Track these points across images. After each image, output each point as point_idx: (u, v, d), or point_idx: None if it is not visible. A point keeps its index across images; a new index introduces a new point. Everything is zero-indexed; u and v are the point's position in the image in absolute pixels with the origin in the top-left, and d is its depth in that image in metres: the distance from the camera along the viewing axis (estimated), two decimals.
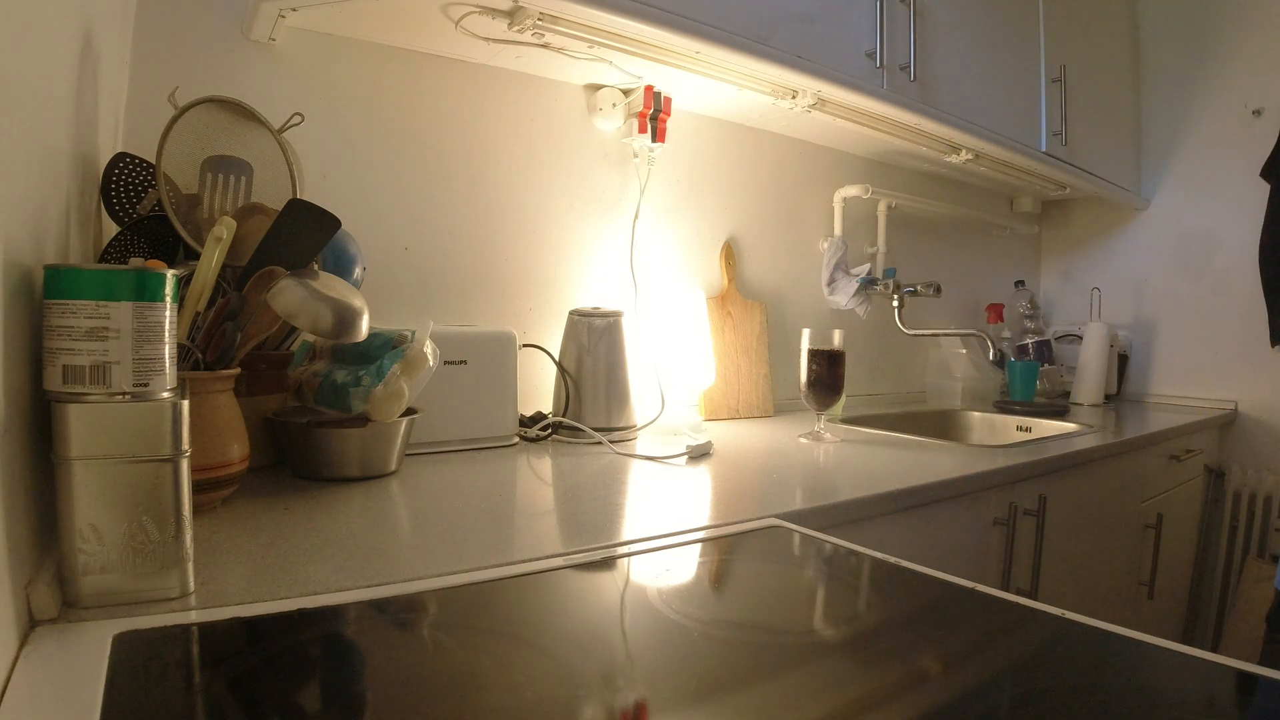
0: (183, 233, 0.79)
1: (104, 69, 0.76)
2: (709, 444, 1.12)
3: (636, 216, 1.42)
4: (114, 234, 0.79)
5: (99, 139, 0.79)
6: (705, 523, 0.75)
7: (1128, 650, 0.49)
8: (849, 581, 0.65)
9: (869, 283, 1.70)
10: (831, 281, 1.71)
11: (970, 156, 1.69)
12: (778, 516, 0.77)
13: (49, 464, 0.47)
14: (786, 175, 1.70)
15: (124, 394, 0.48)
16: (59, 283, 0.47)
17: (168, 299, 0.51)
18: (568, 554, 0.64)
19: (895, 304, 1.73)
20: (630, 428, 1.23)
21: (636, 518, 0.77)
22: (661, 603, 0.55)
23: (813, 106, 1.37)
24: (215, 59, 1.02)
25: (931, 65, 1.44)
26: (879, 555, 0.66)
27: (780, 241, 1.70)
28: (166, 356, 0.51)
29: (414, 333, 0.96)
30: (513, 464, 1.01)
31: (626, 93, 1.36)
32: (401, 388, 0.86)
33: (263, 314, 0.75)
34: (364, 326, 0.77)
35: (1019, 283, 2.24)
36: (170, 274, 0.51)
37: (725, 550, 0.69)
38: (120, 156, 0.80)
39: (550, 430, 1.19)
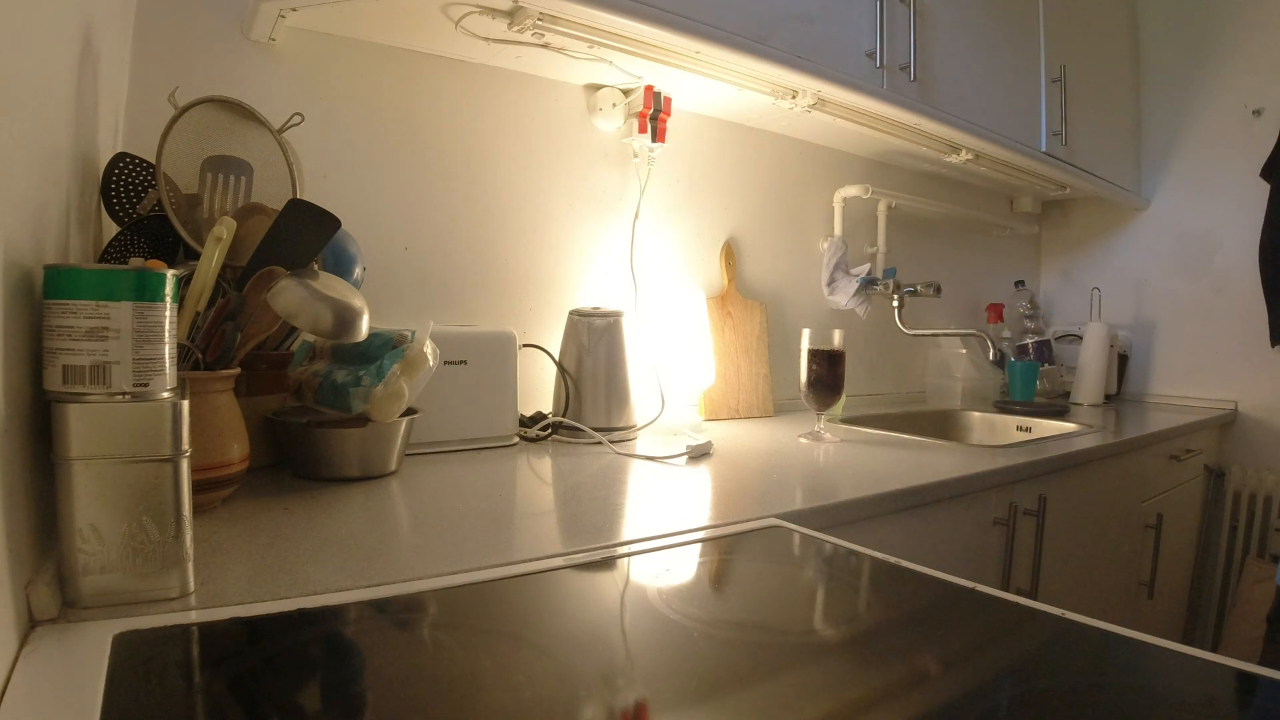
0: (183, 233, 0.79)
1: (104, 69, 0.76)
2: (709, 444, 1.12)
3: (636, 216, 1.42)
4: (114, 234, 0.79)
5: (99, 139, 0.79)
6: (705, 523, 0.75)
7: (1128, 650, 0.49)
8: (849, 581, 0.65)
9: (869, 283, 1.70)
10: (831, 281, 1.71)
11: (970, 156, 1.69)
12: (778, 516, 0.77)
13: (49, 464, 0.47)
14: (786, 175, 1.70)
15: (124, 394, 0.48)
16: (59, 283, 0.47)
17: (168, 299, 0.51)
18: (568, 554, 0.64)
19: (895, 304, 1.73)
20: (630, 428, 1.23)
21: (636, 518, 0.77)
22: (661, 603, 0.55)
23: (813, 106, 1.37)
24: (215, 59, 1.02)
25: (931, 65, 1.44)
26: (879, 555, 0.66)
27: (780, 241, 1.70)
28: (166, 356, 0.51)
29: (414, 333, 0.96)
30: (513, 464, 1.01)
31: (626, 93, 1.36)
32: (401, 388, 0.86)
33: (263, 314, 0.75)
34: (364, 326, 0.77)
35: (1019, 283, 2.24)
36: (170, 274, 0.51)
37: (725, 550, 0.69)
38: (120, 156, 0.80)
39: (550, 430, 1.19)
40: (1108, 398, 2.06)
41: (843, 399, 1.38)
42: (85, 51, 0.65)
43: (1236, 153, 1.99)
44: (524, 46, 1.16)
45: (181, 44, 1.00)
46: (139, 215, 0.81)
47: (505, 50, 1.18)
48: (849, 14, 1.29)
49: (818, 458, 1.13)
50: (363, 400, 0.87)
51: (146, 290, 0.49)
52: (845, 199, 1.76)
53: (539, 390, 1.28)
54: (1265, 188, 1.88)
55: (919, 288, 1.69)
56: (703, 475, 0.98)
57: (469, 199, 1.25)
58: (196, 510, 0.60)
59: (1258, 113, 1.97)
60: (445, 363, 1.02)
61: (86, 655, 0.42)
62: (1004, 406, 1.85)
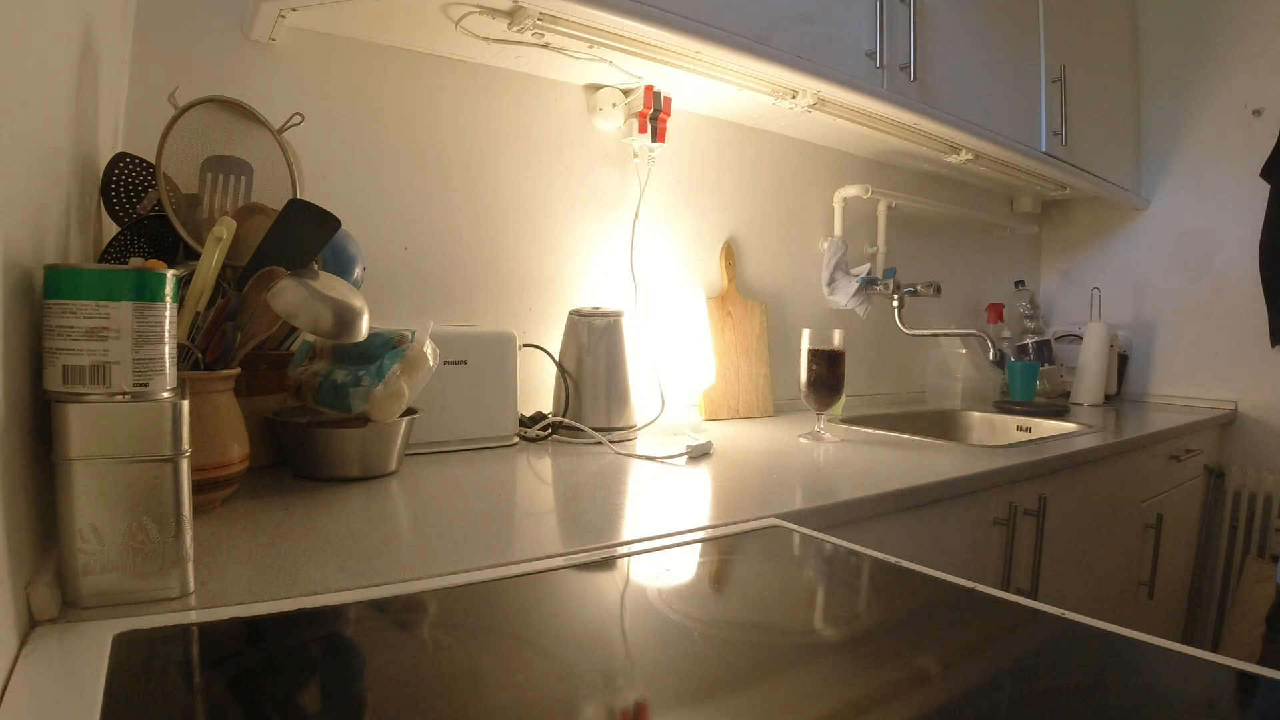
0: (183, 233, 0.79)
1: (104, 69, 0.76)
2: (709, 444, 1.12)
3: (636, 216, 1.42)
4: (114, 234, 0.79)
5: (99, 139, 0.79)
6: (705, 523, 0.75)
7: (1128, 650, 0.49)
8: (849, 581, 0.65)
9: (869, 283, 1.70)
10: (831, 281, 1.71)
11: (970, 156, 1.69)
12: (778, 516, 0.77)
13: (49, 464, 0.47)
14: (786, 175, 1.70)
15: (124, 394, 0.48)
16: (59, 283, 0.47)
17: (168, 299, 0.51)
18: (568, 554, 0.64)
19: (895, 304, 1.73)
20: (630, 428, 1.23)
21: (636, 518, 0.77)
22: (661, 603, 0.55)
23: (813, 106, 1.37)
24: (215, 59, 1.02)
25: (931, 65, 1.44)
26: (879, 555, 0.66)
27: (780, 241, 1.70)
28: (166, 356, 0.51)
29: (414, 333, 0.96)
30: (513, 464, 1.01)
31: (626, 93, 1.36)
32: (401, 388, 0.86)
33: (263, 314, 0.75)
34: (364, 326, 0.77)
35: (1019, 283, 2.24)
36: (170, 274, 0.51)
37: (725, 550, 0.69)
38: (120, 156, 0.80)
39: (550, 430, 1.19)
40: (1108, 398, 2.06)
41: (843, 399, 1.38)
42: (85, 51, 0.65)
43: (1236, 153, 1.99)
44: (524, 46, 1.16)
45: (181, 44, 1.00)
46: (139, 215, 0.81)
47: (505, 50, 1.18)
48: (849, 14, 1.29)
49: (818, 458, 1.13)
50: (363, 400, 0.87)
51: (146, 290, 0.49)
52: (845, 199, 1.76)
53: (539, 390, 1.28)
54: (1265, 188, 1.88)
55: (919, 288, 1.69)
56: (703, 475, 0.98)
57: (469, 199, 1.25)
58: (196, 510, 0.60)
59: (1258, 113, 1.97)
60: (445, 363, 1.02)
61: (86, 655, 0.42)
62: (1004, 406, 1.85)
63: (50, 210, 0.55)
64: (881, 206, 1.83)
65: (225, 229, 0.71)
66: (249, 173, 0.85)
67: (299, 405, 0.94)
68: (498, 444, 1.11)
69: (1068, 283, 2.37)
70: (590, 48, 1.13)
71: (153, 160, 0.78)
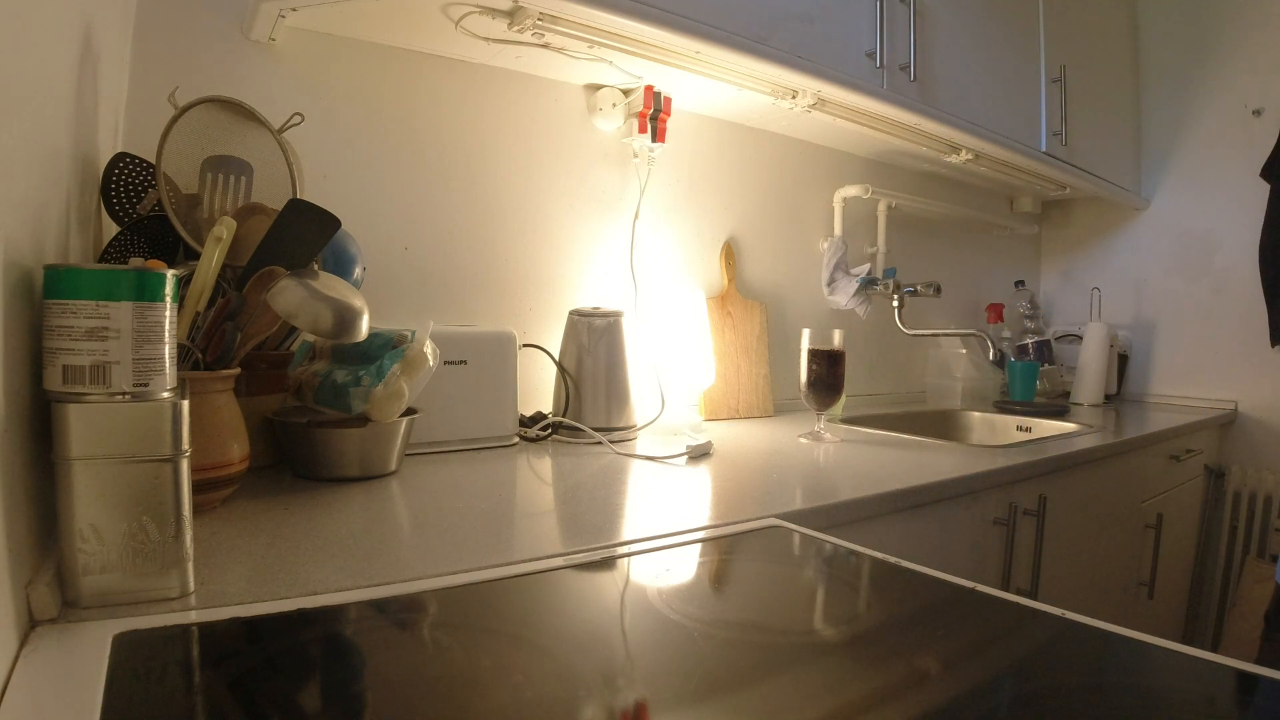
0: (183, 233, 0.79)
1: (104, 69, 0.76)
2: (709, 444, 1.12)
3: (636, 216, 1.42)
4: (114, 234, 0.79)
5: (99, 139, 0.79)
6: (705, 523, 0.75)
7: (1128, 650, 0.49)
8: (849, 581, 0.65)
9: (869, 283, 1.70)
10: (831, 281, 1.71)
11: (970, 156, 1.69)
12: (778, 516, 0.77)
13: (49, 464, 0.47)
14: (786, 175, 1.70)
15: (124, 394, 0.48)
16: (59, 283, 0.47)
17: (168, 299, 0.51)
18: (568, 554, 0.64)
19: (895, 304, 1.73)
20: (630, 428, 1.23)
21: (636, 518, 0.77)
22: (661, 603, 0.55)
23: (813, 106, 1.37)
24: (215, 59, 1.02)
25: (931, 65, 1.44)
26: (879, 555, 0.66)
27: (780, 241, 1.70)
28: (166, 356, 0.51)
29: (414, 333, 0.96)
30: (513, 464, 1.01)
31: (626, 93, 1.36)
32: (401, 388, 0.86)
33: (263, 314, 0.75)
34: (364, 326, 0.77)
35: (1019, 283, 2.24)
36: (170, 274, 0.51)
37: (725, 550, 0.69)
38: (120, 156, 0.80)
39: (550, 430, 1.19)
40: (1108, 398, 2.06)
41: (843, 399, 1.38)
42: (85, 51, 0.65)
43: (1236, 153, 1.99)
44: (524, 46, 1.16)
45: (181, 44, 1.00)
46: (139, 215, 0.81)
47: (505, 50, 1.18)
48: (849, 14, 1.29)
49: (818, 458, 1.13)
50: (363, 400, 0.87)
51: (146, 290, 0.49)
52: (845, 199, 1.76)
53: (539, 390, 1.28)
54: (1265, 188, 1.88)
55: (919, 288, 1.69)
56: (703, 475, 0.98)
57: (469, 199, 1.25)
58: (196, 510, 0.60)
59: (1258, 113, 1.97)
60: (445, 363, 1.02)
61: (86, 655, 0.42)
62: (1004, 406, 1.85)
63: (50, 210, 0.55)
64: (881, 206, 1.83)
65: (225, 229, 0.71)
66: (249, 173, 0.85)
67: (299, 405, 0.94)
68: (498, 444, 1.11)
69: (1068, 283, 2.37)
70: (590, 48, 1.13)
71: (153, 160, 0.78)
